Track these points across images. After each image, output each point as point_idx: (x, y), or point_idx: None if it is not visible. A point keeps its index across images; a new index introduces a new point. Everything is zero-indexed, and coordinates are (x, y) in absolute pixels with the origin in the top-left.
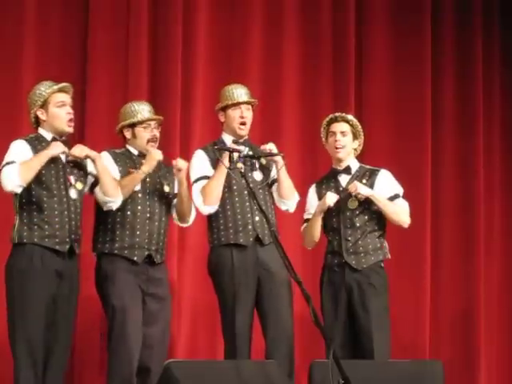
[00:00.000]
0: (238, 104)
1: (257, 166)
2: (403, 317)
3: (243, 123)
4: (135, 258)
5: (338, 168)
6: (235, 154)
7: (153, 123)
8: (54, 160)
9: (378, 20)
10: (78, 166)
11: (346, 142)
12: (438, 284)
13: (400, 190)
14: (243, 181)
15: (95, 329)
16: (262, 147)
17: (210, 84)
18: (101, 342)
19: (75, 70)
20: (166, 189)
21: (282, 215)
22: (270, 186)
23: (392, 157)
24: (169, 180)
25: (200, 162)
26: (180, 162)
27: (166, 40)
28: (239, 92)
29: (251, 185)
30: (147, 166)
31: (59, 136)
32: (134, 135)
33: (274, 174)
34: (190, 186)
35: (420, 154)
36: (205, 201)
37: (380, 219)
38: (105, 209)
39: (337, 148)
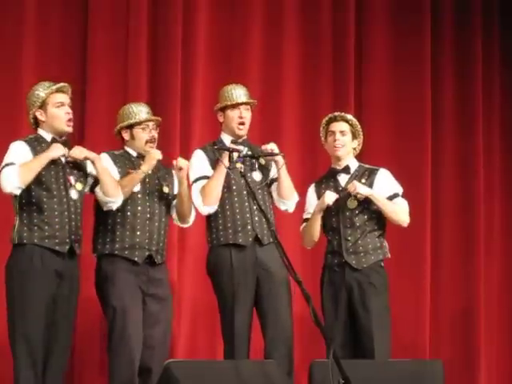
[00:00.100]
0: (236, 105)
1: (256, 165)
2: (403, 316)
3: (242, 123)
4: (136, 259)
5: (337, 167)
6: (235, 154)
7: (151, 124)
8: (53, 161)
9: (378, 20)
10: (78, 166)
11: (345, 141)
12: (437, 284)
13: (399, 189)
14: (242, 181)
15: (95, 329)
16: (263, 147)
17: (210, 84)
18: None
19: (75, 70)
20: (166, 189)
21: (281, 215)
22: (269, 185)
23: (392, 157)
24: (168, 181)
25: (199, 161)
26: (181, 161)
27: (166, 40)
28: (238, 92)
29: (251, 185)
30: (147, 166)
31: (59, 136)
32: (132, 136)
33: (273, 173)
34: (189, 186)
35: (420, 154)
36: (204, 201)
37: (380, 219)
38: (105, 209)
39: (336, 146)
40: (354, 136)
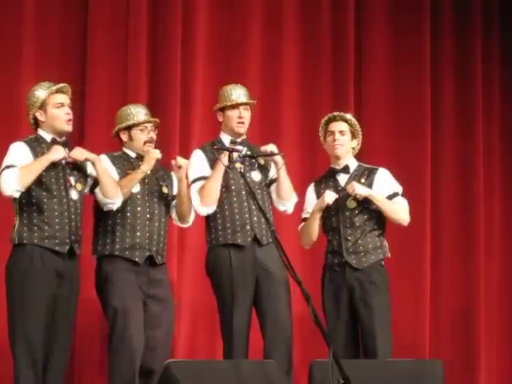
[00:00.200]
0: (236, 105)
1: (255, 165)
2: (403, 316)
3: (241, 123)
4: (136, 259)
5: (337, 167)
6: (234, 154)
7: (149, 125)
8: (53, 162)
9: (378, 20)
10: (78, 167)
11: (344, 141)
12: (437, 284)
13: (399, 188)
14: (241, 181)
15: (95, 330)
16: (263, 148)
17: (210, 84)
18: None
19: (74, 70)
20: (165, 190)
21: (280, 215)
22: (269, 186)
23: (391, 156)
24: (167, 182)
25: (198, 162)
26: (180, 160)
27: (166, 40)
28: (237, 93)
29: (250, 185)
30: (146, 166)
31: (59, 136)
32: (130, 138)
33: (272, 174)
34: (188, 185)
35: (419, 153)
36: (202, 202)
37: (379, 218)
38: (105, 209)
39: (335, 146)
40: (354, 136)
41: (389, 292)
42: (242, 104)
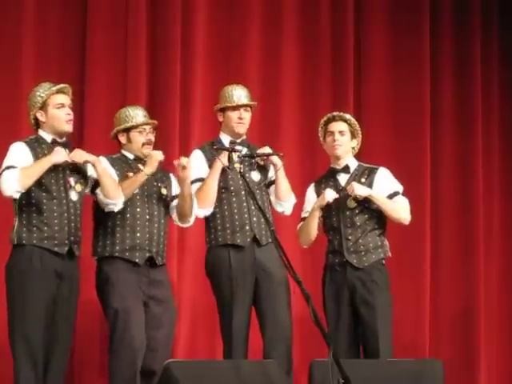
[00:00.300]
0: (237, 107)
1: (255, 166)
2: (403, 316)
3: (241, 123)
4: (137, 260)
5: (337, 167)
6: (234, 154)
7: (148, 127)
8: (55, 164)
9: (377, 20)
10: (78, 168)
11: (344, 141)
12: (437, 284)
13: (399, 188)
14: (241, 181)
15: (95, 330)
16: (259, 150)
17: (209, 84)
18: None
19: (74, 70)
20: (164, 191)
21: (280, 215)
22: (268, 187)
23: (391, 156)
24: (166, 183)
25: (197, 162)
26: (183, 160)
27: (165, 40)
28: (238, 94)
29: (250, 185)
30: (149, 168)
31: (59, 137)
32: (129, 140)
33: (271, 174)
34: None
35: (419, 153)
36: (199, 204)
37: (380, 217)
38: (106, 210)
39: (335, 146)
40: (353, 135)
41: (390, 291)
42: (242, 105)
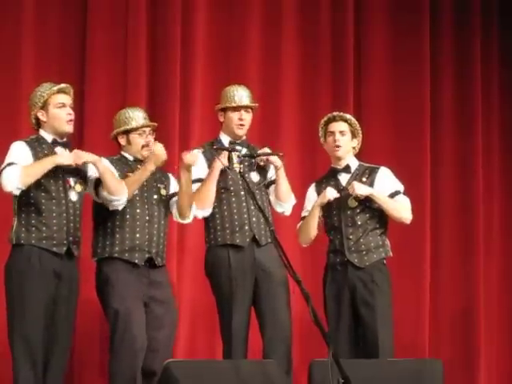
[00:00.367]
0: (238, 108)
1: (254, 166)
2: (403, 316)
3: (241, 125)
4: (136, 261)
5: (338, 167)
6: (234, 154)
7: (147, 129)
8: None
9: (377, 20)
10: (78, 168)
11: (345, 141)
12: (437, 283)
13: (400, 187)
14: (240, 181)
15: (95, 331)
16: (259, 151)
17: (209, 84)
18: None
19: (74, 70)
20: (163, 192)
21: (280, 215)
22: (268, 187)
23: (391, 156)
24: (165, 183)
25: (197, 162)
26: (188, 158)
27: (165, 40)
28: (240, 94)
29: (249, 185)
30: (153, 165)
31: (60, 137)
32: (128, 142)
33: (270, 175)
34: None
35: (419, 153)
36: (198, 205)
37: (381, 217)
38: (111, 208)
39: (336, 147)
40: (354, 135)
41: (391, 291)
42: (243, 107)
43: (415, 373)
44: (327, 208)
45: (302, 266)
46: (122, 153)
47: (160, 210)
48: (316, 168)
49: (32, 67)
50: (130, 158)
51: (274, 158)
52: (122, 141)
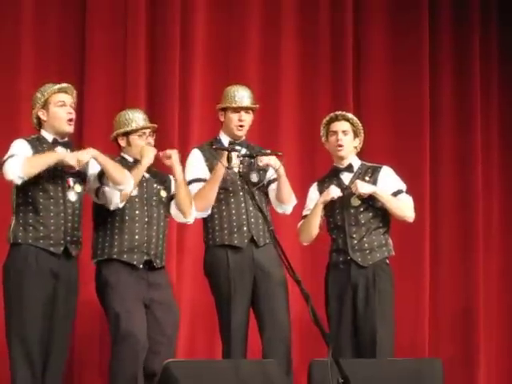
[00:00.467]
0: (238, 109)
1: (254, 166)
2: (402, 315)
3: (241, 126)
4: (134, 262)
5: (340, 166)
6: (233, 154)
7: (147, 131)
8: (61, 163)
9: (376, 19)
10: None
11: (347, 140)
12: (437, 281)
13: (403, 186)
14: (239, 182)
15: (95, 331)
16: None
17: (208, 84)
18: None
19: (73, 71)
20: (163, 194)
21: (280, 214)
22: (266, 186)
23: (391, 155)
24: (165, 185)
25: (196, 162)
26: (168, 151)
27: (164, 40)
28: (241, 95)
29: (249, 185)
30: (147, 159)
31: (60, 137)
32: (128, 143)
33: (269, 175)
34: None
35: (418, 151)
36: (197, 207)
37: (384, 216)
38: (111, 208)
39: (338, 146)
40: (356, 134)
41: (393, 290)
42: (243, 108)
43: (415, 373)
44: (330, 207)
45: (301, 265)
46: (122, 154)
47: (159, 212)
48: (315, 168)
49: (31, 67)
50: (130, 159)
51: (273, 161)
52: (122, 142)
